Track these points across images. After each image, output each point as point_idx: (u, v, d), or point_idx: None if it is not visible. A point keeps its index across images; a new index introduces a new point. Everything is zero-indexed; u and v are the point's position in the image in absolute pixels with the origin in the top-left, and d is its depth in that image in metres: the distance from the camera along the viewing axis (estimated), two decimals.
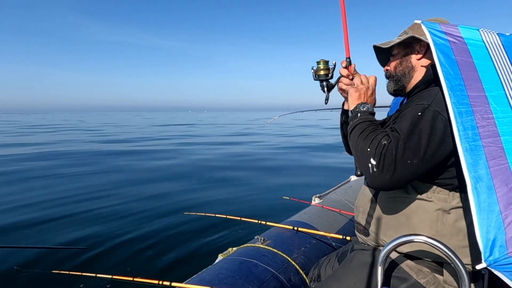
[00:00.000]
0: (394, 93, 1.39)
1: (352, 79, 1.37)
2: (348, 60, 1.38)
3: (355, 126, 1.21)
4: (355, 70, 1.38)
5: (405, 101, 1.40)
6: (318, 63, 1.43)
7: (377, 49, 1.41)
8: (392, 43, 1.32)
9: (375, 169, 1.05)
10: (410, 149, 1.04)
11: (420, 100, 1.14)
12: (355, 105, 1.28)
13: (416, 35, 1.25)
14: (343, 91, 1.39)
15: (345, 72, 1.38)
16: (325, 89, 1.43)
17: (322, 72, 1.42)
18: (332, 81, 1.43)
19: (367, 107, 1.27)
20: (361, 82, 1.33)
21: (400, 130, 1.08)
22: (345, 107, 1.45)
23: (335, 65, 1.41)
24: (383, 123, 1.35)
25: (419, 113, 1.09)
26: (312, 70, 1.44)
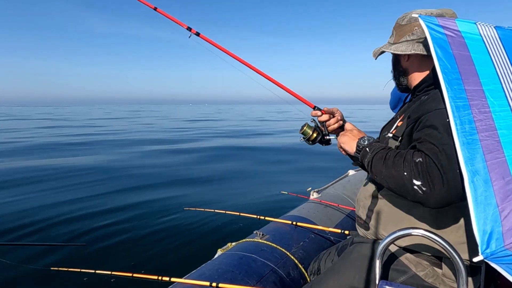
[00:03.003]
0: (402, 92, 1.41)
1: (333, 117, 1.44)
2: (317, 108, 1.43)
3: (372, 159, 1.16)
4: (328, 108, 1.44)
5: (409, 97, 1.40)
6: (304, 133, 1.45)
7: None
8: (374, 57, 1.34)
9: (424, 189, 0.98)
10: (453, 157, 0.97)
11: (438, 104, 1.09)
12: (356, 144, 1.26)
13: (385, 49, 1.29)
14: (341, 148, 1.37)
15: (325, 117, 1.42)
16: (326, 143, 1.48)
17: (315, 135, 1.45)
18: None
19: (367, 138, 1.26)
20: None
21: (434, 141, 1.02)
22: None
23: (315, 123, 1.46)
24: (388, 124, 1.35)
25: (447, 119, 1.02)
26: (306, 141, 1.46)
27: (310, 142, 1.46)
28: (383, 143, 1.29)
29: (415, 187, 0.99)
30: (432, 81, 1.21)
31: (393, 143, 1.22)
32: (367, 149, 1.20)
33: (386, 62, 1.44)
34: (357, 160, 1.30)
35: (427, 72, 1.25)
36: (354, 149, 1.26)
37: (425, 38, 1.12)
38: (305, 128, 1.45)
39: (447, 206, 1.01)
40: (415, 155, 1.03)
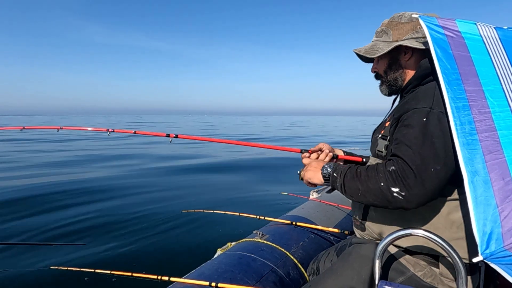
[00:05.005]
0: (389, 95, 1.39)
1: (322, 152, 1.48)
2: (304, 150, 1.49)
3: (343, 182, 1.17)
4: (314, 147, 1.49)
5: (398, 98, 1.41)
6: (302, 178, 1.49)
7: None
8: (377, 54, 1.28)
9: (403, 193, 1.01)
10: (428, 157, 1.01)
11: (417, 102, 1.11)
12: (321, 174, 1.27)
13: (402, 43, 1.24)
14: (310, 184, 1.37)
15: (314, 155, 1.47)
16: None
17: None
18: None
19: (328, 166, 1.26)
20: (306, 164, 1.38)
21: (409, 142, 1.05)
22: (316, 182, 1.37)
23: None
24: (379, 127, 1.36)
25: (424, 119, 1.06)
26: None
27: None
28: (374, 145, 1.32)
29: (395, 194, 1.03)
30: (418, 82, 1.22)
31: (382, 143, 1.25)
32: (334, 174, 1.22)
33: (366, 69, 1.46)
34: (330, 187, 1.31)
35: (414, 73, 1.27)
36: (322, 180, 1.28)
37: None
38: (301, 173, 1.50)
39: (428, 203, 1.05)
40: (388, 164, 1.07)
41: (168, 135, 1.77)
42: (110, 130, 1.85)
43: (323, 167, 1.29)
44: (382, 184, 1.05)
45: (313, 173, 1.31)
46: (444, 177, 1.02)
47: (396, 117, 1.18)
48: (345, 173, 1.19)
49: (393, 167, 1.04)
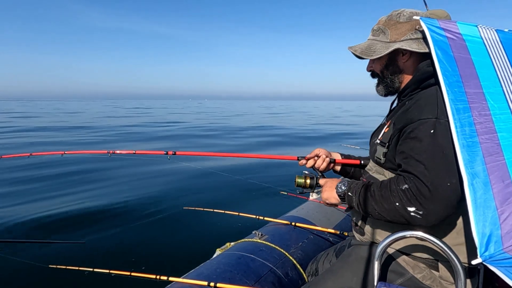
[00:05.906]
0: (386, 96, 1.36)
1: (318, 158, 1.51)
2: (300, 157, 1.52)
3: (359, 202, 1.17)
4: (310, 154, 1.51)
5: (395, 101, 1.39)
6: (298, 185, 1.52)
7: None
8: (375, 56, 1.23)
9: (420, 212, 0.99)
10: (441, 172, 0.98)
11: (421, 112, 1.07)
12: (336, 193, 1.28)
13: (400, 45, 1.19)
14: (328, 204, 1.38)
15: (311, 161, 1.51)
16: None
17: (308, 181, 1.51)
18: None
19: (341, 184, 1.27)
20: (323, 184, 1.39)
21: (419, 157, 1.02)
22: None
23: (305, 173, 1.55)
24: (377, 131, 1.34)
25: (432, 130, 1.03)
26: (305, 189, 1.52)
27: (309, 189, 1.52)
28: (372, 149, 1.30)
29: (412, 214, 1.01)
30: (416, 86, 1.19)
31: (381, 150, 1.23)
32: (349, 193, 1.22)
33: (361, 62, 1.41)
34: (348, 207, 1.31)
35: (411, 76, 1.23)
36: (339, 199, 1.28)
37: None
38: (296, 180, 1.51)
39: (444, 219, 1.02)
40: (400, 182, 1.05)
41: (166, 153, 1.86)
42: (110, 152, 1.96)
43: (337, 185, 1.28)
44: (397, 204, 1.03)
45: (329, 193, 1.31)
46: (460, 189, 0.98)
47: (399, 128, 1.14)
48: (359, 192, 1.17)
49: (406, 186, 1.02)
